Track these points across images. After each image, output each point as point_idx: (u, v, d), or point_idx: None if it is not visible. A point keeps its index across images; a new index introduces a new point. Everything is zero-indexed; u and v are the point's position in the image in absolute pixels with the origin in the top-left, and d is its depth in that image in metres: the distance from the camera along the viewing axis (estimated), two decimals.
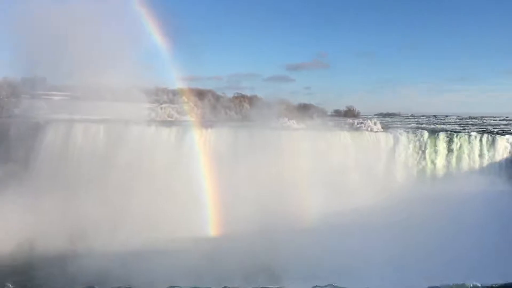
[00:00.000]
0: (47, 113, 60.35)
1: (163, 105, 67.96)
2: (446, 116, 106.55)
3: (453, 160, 53.40)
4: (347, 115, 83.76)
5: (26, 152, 53.38)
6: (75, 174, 49.05)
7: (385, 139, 55.52)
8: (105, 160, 49.18)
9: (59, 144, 52.58)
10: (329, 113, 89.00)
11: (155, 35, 60.26)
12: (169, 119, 63.30)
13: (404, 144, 54.77)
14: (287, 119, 61.44)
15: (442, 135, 54.45)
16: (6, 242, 38.75)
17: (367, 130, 57.63)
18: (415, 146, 54.52)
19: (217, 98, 74.99)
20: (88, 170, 48.84)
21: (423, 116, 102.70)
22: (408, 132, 56.25)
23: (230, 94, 79.34)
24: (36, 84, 69.33)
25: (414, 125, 69.43)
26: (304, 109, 77.92)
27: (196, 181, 46.24)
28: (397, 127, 61.74)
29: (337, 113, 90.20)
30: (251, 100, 75.18)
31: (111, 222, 41.33)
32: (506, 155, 52.48)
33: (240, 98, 75.56)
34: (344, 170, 52.69)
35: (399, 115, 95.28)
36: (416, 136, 54.92)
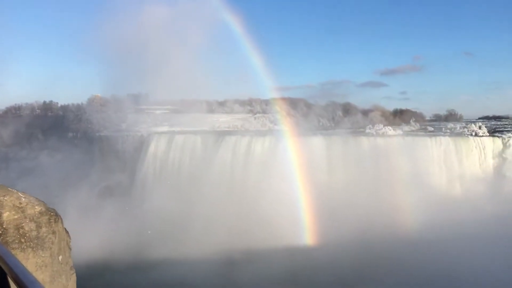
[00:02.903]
0: (150, 126, 64.36)
1: (257, 115, 69.24)
2: None
3: None
4: (448, 120, 78.64)
5: (132, 162, 57.50)
6: (175, 182, 51.59)
7: (492, 143, 51.31)
8: (202, 168, 51.21)
9: (161, 154, 55.80)
10: (427, 118, 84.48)
11: (247, 47, 61.73)
12: (263, 128, 64.24)
13: None
14: (382, 125, 59.33)
15: None
16: (115, 242, 41.70)
17: (471, 134, 53.65)
18: None
19: (310, 106, 74.50)
20: (187, 178, 51.13)
21: None
22: None
23: (322, 102, 78.45)
24: (140, 100, 74.53)
25: None
26: (400, 115, 74.69)
27: (291, 189, 46.21)
28: (506, 131, 56.79)
29: (437, 118, 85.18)
30: (344, 107, 73.75)
31: (205, 226, 42.66)
32: None
33: (333, 106, 74.32)
34: (447, 177, 49.70)
35: (507, 118, 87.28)
36: None
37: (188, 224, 42.77)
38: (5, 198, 2.75)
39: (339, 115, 71.55)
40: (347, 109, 73.31)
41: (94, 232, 40.26)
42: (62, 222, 3.07)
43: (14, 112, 78.72)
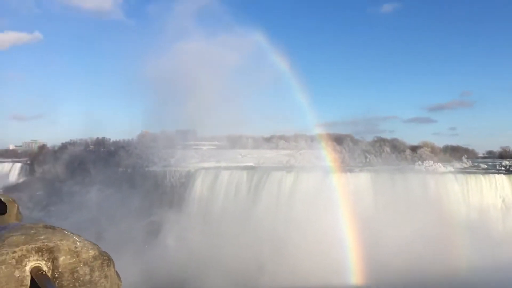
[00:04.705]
0: (197, 161, 65.50)
1: (302, 151, 68.94)
2: None
3: None
4: (503, 157, 75.28)
5: (179, 198, 58.33)
6: (219, 218, 51.62)
7: None
8: (247, 205, 51.14)
9: (207, 190, 56.32)
10: (480, 155, 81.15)
11: (292, 83, 62.41)
12: (308, 164, 63.71)
13: None
14: (432, 162, 57.55)
15: None
16: (157, 278, 41.92)
17: None
18: None
19: (356, 142, 73.56)
20: (232, 214, 51.07)
21: None
22: None
23: (369, 138, 77.36)
24: (188, 136, 76.33)
25: None
26: (451, 151, 72.26)
27: (337, 227, 45.19)
28: None
29: (490, 155, 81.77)
30: (392, 143, 72.34)
31: (252, 263, 42.13)
32: None
33: (380, 142, 73.00)
34: (504, 218, 47.18)
35: None
36: None
37: (228, 263, 42.33)
38: (62, 242, 2.87)
39: (387, 151, 70.08)
40: (395, 145, 71.82)
41: (139, 267, 40.72)
42: (114, 266, 3.15)
43: (69, 147, 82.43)
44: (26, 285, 2.79)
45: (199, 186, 57.30)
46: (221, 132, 74.47)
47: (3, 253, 2.80)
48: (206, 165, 63.37)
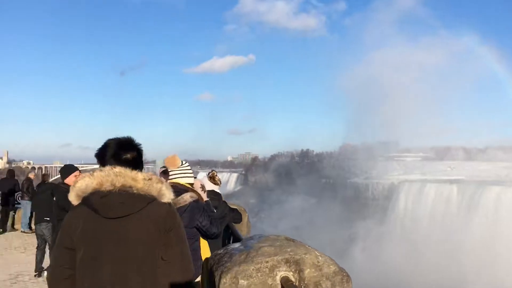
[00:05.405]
0: (400, 174, 63.16)
1: None
2: None
3: None
4: None
5: (381, 211, 57.01)
6: (426, 233, 48.44)
7: None
8: (458, 222, 46.79)
9: (411, 204, 53.62)
10: None
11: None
12: None
13: None
14: None
15: None
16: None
17: None
18: None
19: None
20: (440, 231, 47.38)
21: None
22: None
23: None
24: (390, 147, 74.30)
25: None
26: None
27: None
28: None
29: None
30: None
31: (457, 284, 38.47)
32: None
33: None
34: None
35: None
36: None
37: (441, 274, 39.31)
38: (306, 256, 3.12)
39: None
40: None
41: None
42: (351, 283, 3.27)
43: (277, 159, 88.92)
44: None
45: (403, 200, 55.06)
46: (426, 142, 70.41)
47: (258, 261, 3.17)
48: (410, 177, 60.60)
